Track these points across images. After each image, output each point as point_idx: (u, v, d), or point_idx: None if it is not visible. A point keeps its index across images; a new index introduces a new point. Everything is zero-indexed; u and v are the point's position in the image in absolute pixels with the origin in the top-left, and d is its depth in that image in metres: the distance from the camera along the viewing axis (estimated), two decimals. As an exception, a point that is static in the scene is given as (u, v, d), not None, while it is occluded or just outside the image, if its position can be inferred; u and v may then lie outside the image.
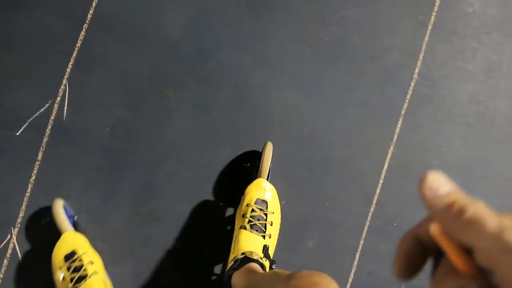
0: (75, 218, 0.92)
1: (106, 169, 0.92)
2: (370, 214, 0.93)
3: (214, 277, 0.95)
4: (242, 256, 0.79)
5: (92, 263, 0.86)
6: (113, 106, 0.92)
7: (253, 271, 0.76)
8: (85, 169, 0.92)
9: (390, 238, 0.93)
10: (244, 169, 0.93)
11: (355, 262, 0.93)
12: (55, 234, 0.91)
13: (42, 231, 0.92)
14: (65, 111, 0.92)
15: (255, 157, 0.93)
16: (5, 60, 0.92)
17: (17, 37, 0.93)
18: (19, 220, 0.92)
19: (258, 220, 0.83)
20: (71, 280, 0.83)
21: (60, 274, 0.84)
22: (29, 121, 0.92)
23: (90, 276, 0.83)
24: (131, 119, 0.93)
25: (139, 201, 0.92)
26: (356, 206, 0.93)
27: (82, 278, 0.83)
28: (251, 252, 0.79)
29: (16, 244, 0.92)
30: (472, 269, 0.21)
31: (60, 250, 0.85)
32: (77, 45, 0.93)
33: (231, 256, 0.83)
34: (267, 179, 0.85)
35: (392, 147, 0.92)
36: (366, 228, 0.93)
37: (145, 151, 0.92)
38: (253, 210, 0.83)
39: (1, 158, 0.92)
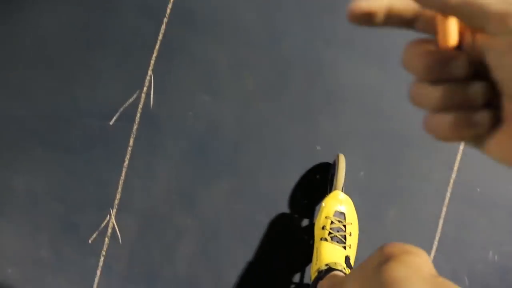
0: None
1: (191, 150, 0.99)
2: (451, 180, 0.93)
3: (292, 286, 0.98)
4: (326, 267, 0.81)
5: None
6: (195, 92, 0.99)
7: (338, 276, 0.78)
8: (173, 152, 0.99)
9: (474, 203, 0.92)
10: (316, 181, 0.97)
11: (439, 229, 0.93)
12: (150, 218, 0.99)
13: (137, 212, 1.00)
14: (151, 100, 1.00)
15: (324, 168, 0.96)
16: (96, 57, 1.02)
17: (106, 36, 1.02)
18: (116, 201, 1.00)
19: (338, 231, 0.85)
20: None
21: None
22: (120, 110, 1.00)
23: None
24: (212, 103, 0.99)
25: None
26: (437, 172, 0.93)
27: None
28: (335, 263, 0.82)
29: (115, 224, 1.00)
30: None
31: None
32: (159, 38, 1.01)
33: (314, 268, 0.86)
34: (342, 191, 0.89)
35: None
36: (448, 195, 0.93)
37: (225, 135, 0.98)
38: (332, 222, 0.85)
39: (97, 146, 1.01)
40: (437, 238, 0.93)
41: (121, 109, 1.00)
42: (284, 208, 0.97)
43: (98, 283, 1.01)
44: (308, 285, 0.96)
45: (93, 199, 1.01)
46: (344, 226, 0.85)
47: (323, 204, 0.88)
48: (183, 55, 1.00)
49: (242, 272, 0.97)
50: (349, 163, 0.90)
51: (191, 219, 0.99)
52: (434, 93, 0.22)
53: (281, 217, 0.97)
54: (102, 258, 1.01)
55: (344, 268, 0.80)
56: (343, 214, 0.86)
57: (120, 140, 1.01)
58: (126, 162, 1.01)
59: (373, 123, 0.95)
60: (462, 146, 0.93)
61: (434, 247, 0.93)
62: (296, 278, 0.97)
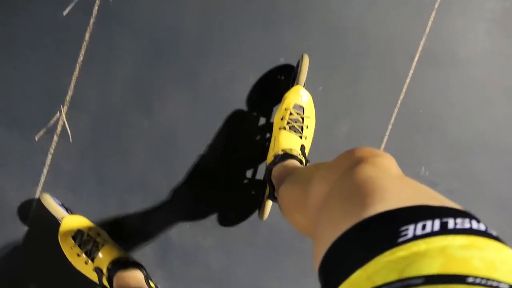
0: (66, 205, 0.97)
1: (151, 52, 0.96)
2: (399, 101, 1.00)
3: (245, 181, 1.02)
4: (282, 152, 0.85)
5: (99, 234, 0.92)
6: (159, -11, 0.94)
7: (294, 165, 0.82)
8: (132, 52, 0.95)
9: (416, 124, 1.01)
10: (278, 82, 0.99)
11: (382, 146, 1.02)
12: (104, 118, 0.96)
13: (90, 111, 0.96)
14: (112, -8, 0.94)
15: (288, 71, 0.98)
16: None
17: None
18: (67, 98, 0.96)
19: (296, 122, 0.89)
20: (86, 253, 0.89)
21: (73, 252, 0.89)
22: (75, 0, 0.93)
23: (103, 245, 0.90)
24: (176, 3, 0.95)
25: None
26: (388, 94, 1.00)
27: (96, 248, 0.89)
28: (291, 149, 0.86)
29: (65, 121, 0.96)
30: None
31: (65, 234, 0.91)
32: None
33: (270, 154, 0.90)
34: (303, 87, 0.92)
35: (423, 39, 0.98)
36: (394, 114, 1.01)
37: (187, 39, 0.96)
38: (291, 114, 0.89)
39: (48, 38, 0.94)
40: (380, 154, 1.02)
41: (77, -1, 0.93)
42: (243, 105, 0.98)
43: (45, 181, 0.98)
44: (260, 181, 1.01)
45: (42, 94, 0.95)
46: (302, 118, 0.90)
47: (284, 96, 0.91)
48: None
49: (195, 166, 0.99)
50: (309, 78, 0.94)
51: (147, 121, 0.97)
52: None
53: (239, 114, 0.99)
54: (49, 156, 0.97)
55: (299, 155, 0.86)
56: (302, 107, 0.90)
57: (75, 33, 0.94)
58: (81, 58, 0.95)
59: (336, 38, 0.98)
60: (412, 70, 1.00)
61: (377, 162, 1.02)
62: (249, 174, 1.01)
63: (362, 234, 0.34)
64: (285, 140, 0.88)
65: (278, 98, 0.95)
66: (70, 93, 0.96)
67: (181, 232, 1.02)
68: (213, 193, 1.02)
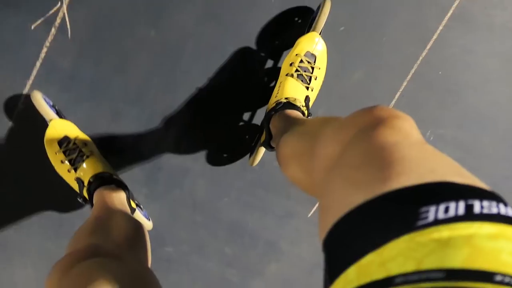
0: (56, 107, 0.91)
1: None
2: (420, 58, 0.95)
3: (241, 123, 0.97)
4: (285, 101, 0.81)
5: (86, 144, 0.88)
6: None
7: (296, 116, 0.77)
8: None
9: (432, 85, 0.97)
10: (294, 24, 0.91)
11: (393, 102, 0.98)
12: (109, 19, 0.89)
13: (95, 8, 0.89)
14: None
15: (306, 14, 0.90)
16: None
17: None
18: (71, -11, 0.88)
19: (305, 71, 0.84)
20: (70, 161, 0.85)
21: (57, 158, 0.86)
22: None
23: (88, 156, 0.85)
24: None
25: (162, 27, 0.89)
26: (410, 48, 0.94)
27: (81, 158, 0.85)
28: (295, 99, 0.81)
29: (66, 14, 0.89)
30: None
31: (52, 137, 0.86)
32: None
33: (273, 100, 0.85)
34: (319, 34, 0.85)
35: (461, -5, 0.91)
36: (412, 71, 0.95)
37: None
38: (301, 61, 0.83)
39: None
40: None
41: None
42: (252, 43, 0.92)
43: (36, 75, 0.92)
44: (256, 126, 0.98)
45: (43, -21, 0.87)
46: (312, 68, 0.85)
47: (297, 41, 0.85)
48: None
49: (193, 98, 0.95)
50: (333, 15, 0.87)
51: (154, 31, 0.91)
52: None
53: (246, 52, 0.93)
54: (44, 49, 0.91)
55: (303, 106, 0.81)
56: (314, 56, 0.85)
57: None
58: None
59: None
60: (441, 26, 0.93)
61: (383, 117, 0.98)
62: (246, 116, 0.98)
63: (377, 211, 0.30)
64: (291, 88, 0.83)
65: (290, 43, 0.88)
66: (74, -17, 0.88)
67: (172, 154, 1.00)
68: (208, 126, 0.98)
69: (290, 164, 0.61)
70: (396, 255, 0.26)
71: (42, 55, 0.91)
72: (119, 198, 0.82)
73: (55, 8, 0.89)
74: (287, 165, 0.63)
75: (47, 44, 0.91)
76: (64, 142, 0.87)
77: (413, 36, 0.94)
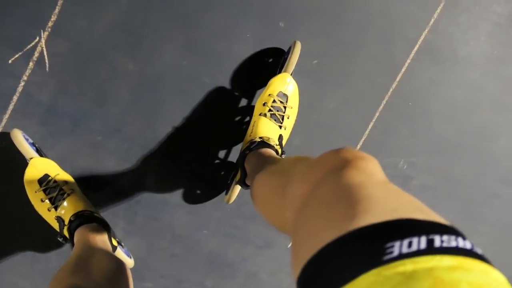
0: (36, 145, 0.92)
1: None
2: (391, 89, 0.99)
3: (217, 161, 0.99)
4: (259, 140, 0.83)
5: (67, 182, 0.88)
6: None
7: (270, 154, 0.80)
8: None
9: (403, 115, 1.01)
10: (266, 64, 0.95)
11: (367, 131, 1.01)
12: (87, 51, 0.90)
13: (73, 41, 0.90)
14: None
15: (278, 54, 0.94)
16: None
17: None
18: (50, 23, 0.89)
19: (278, 111, 0.87)
20: (50, 200, 0.84)
21: (37, 197, 0.85)
22: None
23: (69, 194, 0.85)
24: None
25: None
26: (381, 79, 0.98)
27: (61, 196, 0.84)
28: (268, 138, 0.84)
29: (44, 48, 0.90)
30: None
31: (32, 176, 0.86)
32: None
33: (247, 139, 0.87)
34: (291, 75, 0.89)
35: (426, 30, 0.97)
36: (384, 101, 0.99)
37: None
38: (274, 101, 0.87)
39: (39, -46, 0.87)
40: (363, 139, 1.01)
41: None
42: (226, 83, 0.95)
43: (14, 109, 0.92)
44: (232, 163, 0.99)
45: (23, 13, 0.88)
46: (285, 107, 0.87)
47: (270, 82, 0.88)
48: None
49: (168, 137, 0.96)
50: (307, 49, 0.91)
51: (133, 63, 0.93)
52: None
53: (221, 92, 0.95)
54: (22, 83, 0.91)
55: (276, 145, 0.83)
56: (286, 96, 0.88)
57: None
58: (70, -18, 0.88)
59: (340, 10, 0.95)
60: (409, 60, 0.98)
61: (359, 146, 1.01)
62: (221, 154, 0.99)
63: (346, 248, 0.32)
64: (264, 128, 0.85)
65: (263, 82, 0.92)
66: (53, 18, 0.89)
67: (150, 187, 0.99)
68: (184, 162, 0.98)
69: (263, 203, 0.63)
70: None
71: (20, 88, 0.91)
72: (101, 237, 0.81)
73: (33, 42, 0.90)
74: (260, 204, 0.65)
75: (25, 78, 0.91)
76: (44, 181, 0.86)
77: (383, 67, 0.98)
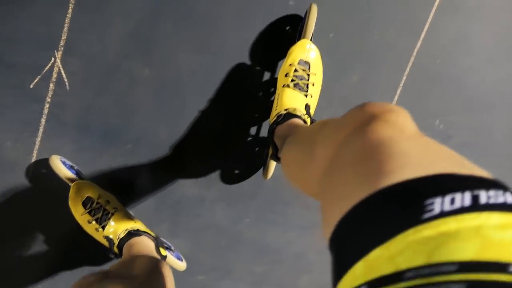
0: (75, 167, 0.93)
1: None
2: (415, 50, 0.94)
3: (249, 138, 0.98)
4: (285, 112, 0.80)
5: (109, 202, 0.89)
6: None
7: (297, 124, 0.78)
8: (130, -9, 0.88)
9: (432, 75, 0.96)
10: (284, 33, 0.91)
11: (396, 97, 0.97)
12: (102, 63, 0.90)
13: (87, 56, 0.90)
14: None
15: (296, 21, 0.90)
16: None
17: None
18: (62, 43, 0.89)
19: (301, 79, 0.83)
20: (96, 221, 0.87)
21: (84, 219, 0.88)
22: None
23: (113, 214, 0.87)
24: None
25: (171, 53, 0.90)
26: (404, 41, 0.94)
27: (106, 216, 0.87)
28: (294, 109, 0.81)
29: (61, 68, 0.90)
30: None
31: (75, 200, 0.88)
32: None
33: (273, 113, 0.85)
34: (310, 40, 0.85)
35: (447, -20, 0.90)
36: (410, 64, 0.95)
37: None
38: (296, 70, 0.83)
39: (38, -26, 0.86)
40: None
41: None
42: (247, 59, 0.93)
43: (43, 132, 0.94)
44: (264, 138, 0.98)
45: (34, 38, 0.88)
46: (308, 75, 0.84)
47: (289, 51, 0.85)
48: None
49: (197, 122, 0.96)
50: (321, 23, 0.87)
51: (148, 69, 0.92)
52: None
53: (242, 69, 0.93)
54: (47, 105, 0.93)
55: (303, 115, 0.81)
56: (308, 63, 0.85)
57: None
58: (73, -2, 0.87)
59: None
60: (431, 17, 0.93)
61: (389, 114, 0.97)
62: (253, 131, 0.98)
63: (381, 206, 0.30)
64: (289, 99, 0.83)
65: (283, 52, 0.89)
66: (64, 37, 0.89)
67: (185, 185, 1.00)
68: (216, 150, 0.98)
69: (291, 171, 0.61)
70: (404, 249, 0.26)
71: (45, 111, 0.93)
72: (148, 248, 0.84)
73: (49, 64, 0.90)
74: (292, 176, 0.63)
75: (48, 99, 0.92)
76: (88, 203, 0.89)
77: (404, 29, 0.93)
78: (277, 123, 0.80)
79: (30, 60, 0.89)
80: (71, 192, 0.89)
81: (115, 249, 0.85)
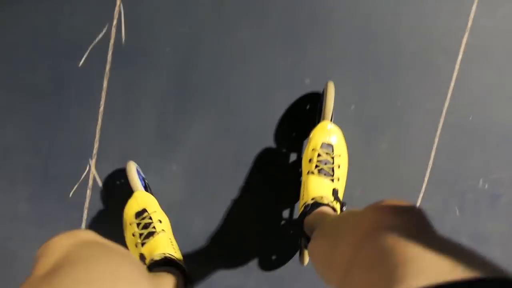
0: (146, 181, 0.93)
1: (171, 88, 0.92)
2: (444, 110, 0.90)
3: (283, 222, 0.97)
4: (312, 202, 0.78)
5: (161, 221, 0.87)
6: (171, 23, 0.90)
7: (325, 213, 0.76)
8: (151, 91, 0.92)
9: (465, 132, 0.91)
10: (305, 112, 0.91)
11: (431, 161, 0.92)
12: (132, 158, 0.93)
13: (118, 159, 0.94)
14: (123, 34, 0.90)
15: (314, 99, 0.90)
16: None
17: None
18: (94, 151, 0.94)
19: (325, 164, 0.81)
20: (140, 235, 0.84)
21: (130, 230, 0.86)
22: (89, 49, 0.90)
23: (158, 233, 0.84)
24: (191, 35, 0.90)
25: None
26: (430, 103, 0.90)
27: (151, 234, 0.83)
28: (321, 197, 0.79)
29: (96, 175, 0.94)
30: None
31: (131, 207, 0.87)
32: (125, -36, 0.89)
33: (301, 203, 0.83)
34: (330, 121, 0.84)
35: (466, 35, 0.87)
36: (441, 124, 0.91)
37: (206, 68, 0.91)
38: (319, 155, 0.81)
39: (68, 91, 0.92)
40: (428, 170, 0.92)
41: (90, 47, 0.91)
42: (271, 143, 0.93)
43: (84, 235, 0.97)
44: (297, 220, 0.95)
45: (69, 149, 0.94)
46: (332, 158, 0.82)
47: (310, 135, 0.84)
48: (154, -16, 0.89)
49: (230, 211, 0.95)
50: (340, 97, 0.86)
51: (176, 162, 0.94)
52: None
53: (268, 152, 0.93)
54: (85, 211, 0.96)
55: (331, 202, 0.79)
56: (331, 146, 0.83)
57: (93, 83, 0.92)
58: (102, 106, 0.93)
59: (363, 48, 0.89)
60: (456, 72, 0.89)
61: (426, 179, 0.93)
62: (286, 214, 0.96)
63: None
64: (315, 187, 0.80)
65: (306, 131, 0.88)
66: (96, 144, 0.94)
67: (224, 275, 0.99)
68: (251, 238, 0.97)
69: (317, 265, 0.61)
70: None
71: (85, 216, 0.96)
72: (170, 281, 0.76)
73: (85, 172, 0.94)
74: (318, 269, 0.62)
75: (86, 205, 0.96)
76: (141, 215, 0.86)
77: (429, 88, 0.90)
78: (305, 213, 0.78)
79: (67, 171, 0.94)
80: (131, 199, 0.86)
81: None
